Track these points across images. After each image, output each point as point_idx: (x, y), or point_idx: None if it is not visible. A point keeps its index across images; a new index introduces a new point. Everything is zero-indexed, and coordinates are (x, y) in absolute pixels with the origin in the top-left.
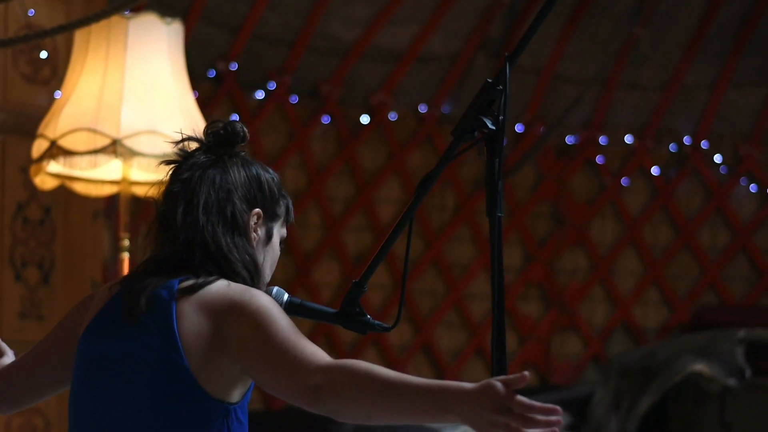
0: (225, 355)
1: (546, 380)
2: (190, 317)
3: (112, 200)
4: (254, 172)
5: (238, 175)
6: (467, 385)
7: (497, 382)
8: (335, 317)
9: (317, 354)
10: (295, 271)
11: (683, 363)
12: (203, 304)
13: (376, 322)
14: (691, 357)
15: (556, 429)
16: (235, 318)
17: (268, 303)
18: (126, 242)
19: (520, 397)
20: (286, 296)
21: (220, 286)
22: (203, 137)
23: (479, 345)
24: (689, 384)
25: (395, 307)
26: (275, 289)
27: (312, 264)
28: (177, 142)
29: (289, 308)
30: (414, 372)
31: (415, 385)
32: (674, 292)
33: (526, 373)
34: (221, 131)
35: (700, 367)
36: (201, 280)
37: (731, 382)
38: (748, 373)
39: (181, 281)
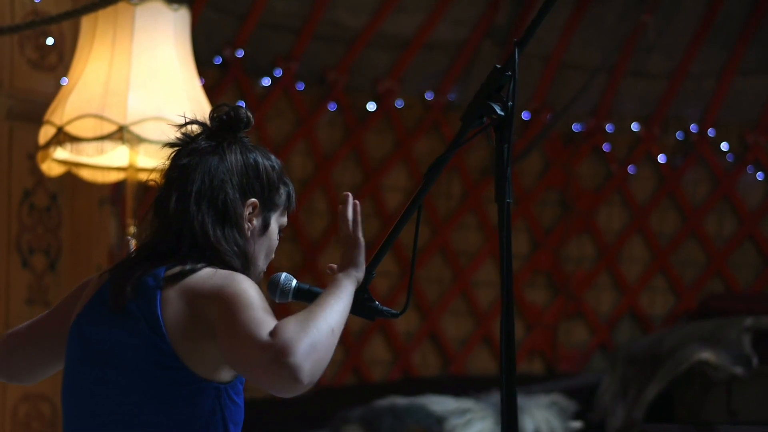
0: (206, 338)
1: (553, 368)
2: (173, 303)
3: (118, 187)
4: (252, 159)
5: (235, 162)
6: (341, 266)
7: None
8: None
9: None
10: (301, 258)
11: (690, 351)
12: (187, 290)
13: (385, 308)
14: (698, 345)
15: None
16: (212, 301)
17: (247, 287)
18: (132, 229)
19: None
20: (294, 282)
21: (205, 274)
22: (208, 121)
23: (486, 333)
24: (696, 372)
25: (402, 295)
26: (283, 275)
27: (318, 251)
28: (181, 126)
29: (297, 294)
30: (421, 360)
31: (334, 290)
32: (681, 280)
33: (352, 201)
34: (225, 116)
35: (706, 355)
36: (188, 267)
37: (738, 370)
38: (754, 361)
39: (168, 269)
